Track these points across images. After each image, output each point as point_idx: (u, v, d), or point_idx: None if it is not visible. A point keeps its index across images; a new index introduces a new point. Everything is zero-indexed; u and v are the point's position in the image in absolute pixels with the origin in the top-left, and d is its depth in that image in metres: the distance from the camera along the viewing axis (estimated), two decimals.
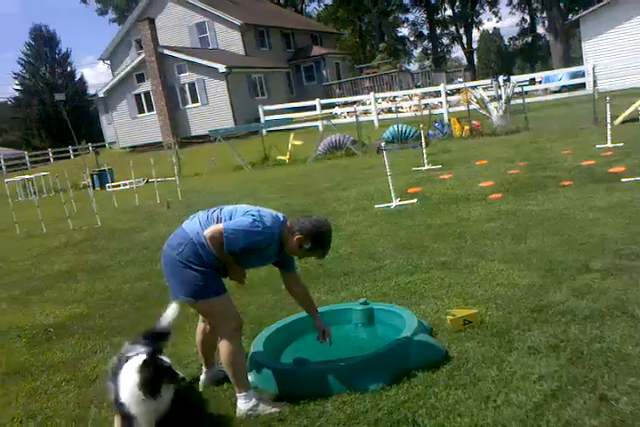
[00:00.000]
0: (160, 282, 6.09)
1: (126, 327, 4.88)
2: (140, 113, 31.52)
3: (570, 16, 46.07)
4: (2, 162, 35.21)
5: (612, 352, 3.17)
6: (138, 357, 2.92)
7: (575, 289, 4.14)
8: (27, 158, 35.97)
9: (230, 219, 3.10)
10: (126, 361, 2.93)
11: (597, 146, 10.57)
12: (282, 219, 3.18)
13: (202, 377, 3.54)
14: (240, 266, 3.21)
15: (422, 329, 3.60)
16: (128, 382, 2.81)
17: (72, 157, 35.54)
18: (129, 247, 8.28)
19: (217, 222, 3.09)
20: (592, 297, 3.95)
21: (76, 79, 58.52)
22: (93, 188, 14.69)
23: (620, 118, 12.96)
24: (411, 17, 61.97)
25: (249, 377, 3.30)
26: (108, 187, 17.59)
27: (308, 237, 3.10)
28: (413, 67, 59.35)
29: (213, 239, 3.01)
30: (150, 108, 30.99)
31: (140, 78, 30.91)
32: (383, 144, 9.35)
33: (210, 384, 3.50)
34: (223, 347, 3.12)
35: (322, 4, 62.51)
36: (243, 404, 3.11)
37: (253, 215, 3.08)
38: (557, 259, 4.86)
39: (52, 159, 36.78)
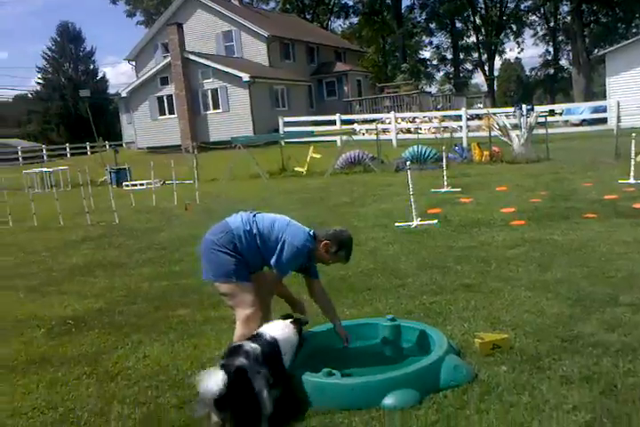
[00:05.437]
0: (179, 283, 6.11)
1: (145, 326, 4.86)
2: (161, 115, 31.68)
3: (595, 51, 46.23)
4: (19, 153, 35.48)
5: None
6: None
7: (605, 322, 4.09)
8: (44, 152, 36.17)
9: (269, 232, 3.51)
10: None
11: (619, 181, 10.55)
12: (310, 233, 3.59)
13: None
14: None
15: (452, 350, 3.56)
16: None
17: (89, 153, 35.72)
18: (146, 246, 8.29)
19: (256, 230, 3.50)
20: (623, 331, 3.90)
21: (98, 77, 59.18)
22: (111, 185, 14.72)
23: None
24: (435, 40, 61.95)
25: None
26: (126, 185, 17.66)
27: (334, 242, 3.57)
28: (434, 89, 59.38)
29: (276, 284, 3.67)
30: (171, 111, 31.15)
31: (164, 81, 31.13)
32: (408, 163, 9.34)
33: None
34: (237, 329, 3.48)
35: (347, 22, 62.74)
36: None
37: (295, 246, 3.46)
38: (585, 290, 4.81)
39: (68, 154, 36.94)
